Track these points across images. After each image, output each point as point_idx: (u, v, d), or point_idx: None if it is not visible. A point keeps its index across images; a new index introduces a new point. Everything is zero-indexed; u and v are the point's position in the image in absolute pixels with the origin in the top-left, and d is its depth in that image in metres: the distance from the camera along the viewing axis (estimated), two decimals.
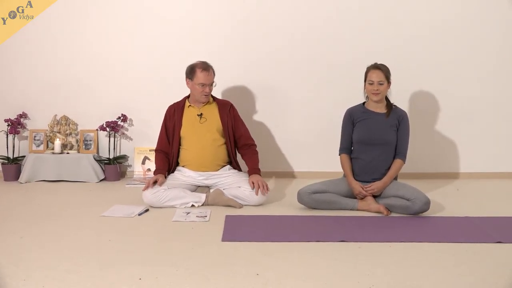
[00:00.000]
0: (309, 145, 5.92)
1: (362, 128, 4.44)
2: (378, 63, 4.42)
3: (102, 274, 2.99)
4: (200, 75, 4.69)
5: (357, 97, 5.77)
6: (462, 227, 3.90)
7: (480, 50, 5.81)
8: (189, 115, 4.84)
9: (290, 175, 5.94)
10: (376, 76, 4.35)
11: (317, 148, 5.88)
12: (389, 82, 4.39)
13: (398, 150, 4.41)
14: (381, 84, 4.34)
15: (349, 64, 5.80)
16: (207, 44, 5.76)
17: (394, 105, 4.50)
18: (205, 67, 4.72)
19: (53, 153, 5.69)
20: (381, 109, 4.47)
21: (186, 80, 4.79)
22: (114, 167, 5.71)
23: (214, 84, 4.78)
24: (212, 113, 4.85)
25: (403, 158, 4.40)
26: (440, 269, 3.10)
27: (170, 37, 5.80)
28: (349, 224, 4.01)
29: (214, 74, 4.76)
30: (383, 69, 4.36)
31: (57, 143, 5.71)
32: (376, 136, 4.39)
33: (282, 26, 5.79)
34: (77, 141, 5.84)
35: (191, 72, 4.74)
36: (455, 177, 5.87)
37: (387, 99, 4.49)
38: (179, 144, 4.84)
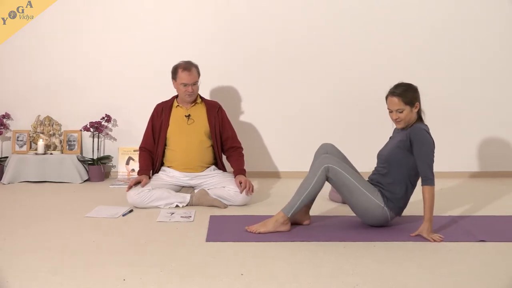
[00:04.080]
0: (294, 145, 5.92)
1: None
2: (399, 83, 3.88)
3: (86, 275, 2.98)
4: (182, 75, 4.68)
5: (345, 97, 5.85)
6: (445, 226, 3.91)
7: (466, 49, 5.85)
8: (177, 115, 4.82)
9: (275, 175, 5.95)
10: (392, 104, 3.81)
11: (302, 148, 5.87)
12: (413, 105, 3.81)
13: (421, 175, 3.73)
14: (400, 111, 3.80)
15: (337, 64, 5.82)
16: (193, 44, 5.74)
17: (415, 123, 3.86)
18: (187, 66, 4.71)
19: (36, 153, 5.65)
20: None
21: (172, 80, 4.79)
22: (98, 168, 5.69)
23: (198, 83, 4.78)
24: (200, 115, 4.84)
25: (428, 182, 3.66)
26: (424, 268, 3.12)
27: (154, 37, 5.78)
28: (334, 224, 4.03)
29: (198, 74, 4.75)
30: (401, 94, 3.79)
31: (40, 143, 5.67)
32: (381, 153, 4.01)
33: (270, 25, 5.78)
34: (60, 141, 5.81)
35: (174, 72, 4.74)
36: (438, 176, 5.88)
37: (421, 119, 3.91)
38: (165, 144, 4.83)
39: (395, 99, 3.80)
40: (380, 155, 3.99)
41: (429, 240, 3.58)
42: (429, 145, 3.74)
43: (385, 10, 5.79)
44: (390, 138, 4.06)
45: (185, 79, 4.68)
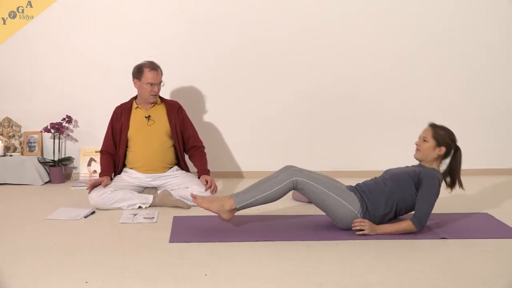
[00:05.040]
0: (257, 144, 5.93)
1: None
2: (444, 126, 3.90)
3: (48, 278, 2.95)
4: (148, 75, 4.66)
5: (310, 98, 5.89)
6: None
7: (428, 48, 5.92)
8: (137, 117, 4.79)
9: (237, 175, 5.96)
10: (424, 131, 3.89)
11: (265, 148, 5.90)
12: (440, 145, 3.82)
13: (415, 213, 3.72)
14: (425, 140, 3.84)
15: (303, 64, 5.84)
16: (155, 43, 5.70)
17: (432, 168, 3.86)
18: (154, 66, 4.69)
19: None
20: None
21: (133, 80, 4.75)
22: (59, 169, 5.62)
23: (162, 83, 4.76)
24: (160, 115, 4.82)
25: (415, 224, 3.68)
26: (386, 265, 3.17)
27: (116, 37, 5.72)
28: (297, 223, 4.05)
29: (162, 74, 4.74)
30: (437, 129, 3.85)
31: (0, 145, 5.58)
32: (391, 170, 3.99)
33: (235, 25, 5.76)
34: (20, 143, 5.73)
35: (138, 71, 4.70)
36: None
37: (438, 166, 3.90)
38: (126, 146, 4.80)
39: (429, 128, 3.88)
40: (388, 171, 4.00)
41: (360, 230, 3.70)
42: (435, 193, 3.77)
43: (353, 9, 5.82)
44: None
45: (152, 79, 4.66)
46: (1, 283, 2.85)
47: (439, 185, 3.79)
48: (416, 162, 3.98)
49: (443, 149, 3.83)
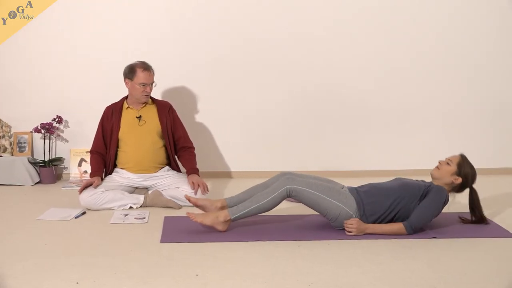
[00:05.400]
0: (247, 145, 5.94)
1: None
2: (469, 162, 3.93)
3: (39, 278, 2.94)
4: (141, 75, 4.65)
5: (299, 99, 5.89)
6: None
7: (416, 47, 5.93)
8: (128, 117, 4.79)
9: (227, 175, 5.95)
10: (451, 155, 3.95)
11: (254, 148, 5.91)
12: (459, 174, 3.85)
13: (410, 218, 3.75)
14: (447, 164, 3.89)
15: (293, 65, 5.84)
16: (145, 44, 5.69)
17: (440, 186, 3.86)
18: (146, 66, 4.69)
19: None
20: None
21: (125, 80, 4.74)
22: (49, 170, 5.60)
23: (154, 84, 4.76)
24: (151, 115, 4.81)
25: (407, 228, 3.71)
26: (378, 265, 3.18)
27: (106, 37, 5.70)
28: (288, 224, 4.06)
29: (153, 74, 4.74)
30: (464, 159, 3.91)
31: None
32: (402, 179, 4.02)
33: (225, 26, 5.76)
34: (10, 143, 5.71)
35: (130, 72, 4.69)
36: (386, 175, 5.96)
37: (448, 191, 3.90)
38: (117, 146, 4.79)
39: (458, 156, 3.92)
40: (399, 179, 4.03)
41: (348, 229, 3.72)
42: (437, 205, 3.78)
43: (345, 10, 5.83)
44: None
45: (144, 79, 4.65)
46: None
47: (444, 203, 3.81)
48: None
49: (459, 180, 3.86)
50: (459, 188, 3.92)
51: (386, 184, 3.95)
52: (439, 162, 3.95)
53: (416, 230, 3.74)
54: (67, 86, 5.73)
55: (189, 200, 3.96)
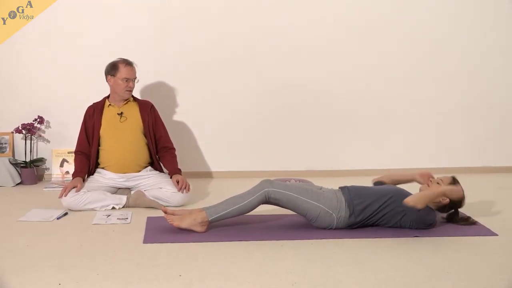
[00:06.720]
0: (227, 144, 5.93)
1: None
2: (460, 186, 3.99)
3: (20, 280, 2.93)
4: (123, 70, 4.64)
5: (280, 99, 5.90)
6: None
7: (402, 46, 5.96)
8: (109, 114, 4.77)
9: (207, 175, 5.95)
10: (444, 177, 4.02)
11: (235, 148, 5.90)
12: (447, 196, 3.87)
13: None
14: (438, 183, 3.96)
15: (272, 65, 5.84)
16: (125, 42, 5.65)
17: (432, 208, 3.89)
18: (128, 62, 4.70)
19: None
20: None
21: (107, 78, 4.72)
22: (31, 171, 5.56)
23: (137, 80, 4.75)
24: (133, 112, 4.80)
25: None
26: (361, 265, 3.20)
27: (86, 37, 5.67)
28: (271, 223, 4.07)
29: (136, 70, 4.75)
30: (453, 181, 3.98)
31: None
32: (396, 187, 4.04)
33: (204, 25, 5.75)
34: None
35: (113, 68, 4.68)
36: (368, 174, 5.99)
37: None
38: (99, 145, 4.76)
39: (450, 178, 4.00)
40: (393, 186, 4.07)
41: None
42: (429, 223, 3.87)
43: (332, 9, 5.84)
44: None
45: (127, 74, 4.65)
46: None
47: (430, 225, 3.88)
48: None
49: (447, 200, 3.88)
50: (444, 208, 3.96)
51: (380, 188, 3.98)
52: (430, 180, 4.00)
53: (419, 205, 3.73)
54: (48, 86, 5.69)
55: (165, 212, 3.86)
